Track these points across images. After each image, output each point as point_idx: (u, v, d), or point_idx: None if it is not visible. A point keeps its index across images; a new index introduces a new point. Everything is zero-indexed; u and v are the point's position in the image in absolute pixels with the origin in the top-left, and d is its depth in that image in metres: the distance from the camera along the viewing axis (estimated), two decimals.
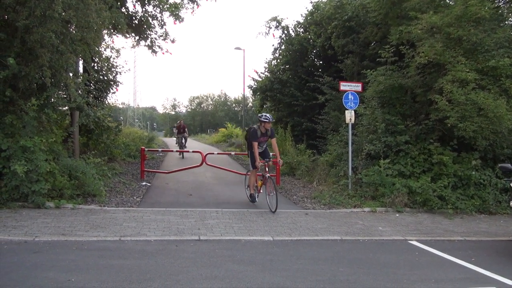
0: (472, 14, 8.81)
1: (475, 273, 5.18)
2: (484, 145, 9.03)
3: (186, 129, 19.65)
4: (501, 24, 10.60)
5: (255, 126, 8.49)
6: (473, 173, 9.24)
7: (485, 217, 8.85)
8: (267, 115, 8.36)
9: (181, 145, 19.16)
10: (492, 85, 8.90)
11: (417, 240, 6.66)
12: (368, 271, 4.99)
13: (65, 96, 9.31)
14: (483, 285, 4.75)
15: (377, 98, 10.68)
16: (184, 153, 17.83)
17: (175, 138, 19.92)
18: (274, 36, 19.90)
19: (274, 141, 8.61)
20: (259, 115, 8.63)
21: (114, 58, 14.15)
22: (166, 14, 13.06)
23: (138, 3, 12.64)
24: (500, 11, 10.73)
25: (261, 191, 8.74)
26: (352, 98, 10.39)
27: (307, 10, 18.97)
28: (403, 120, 10.17)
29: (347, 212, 8.68)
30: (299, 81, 18.07)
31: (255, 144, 8.23)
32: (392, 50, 10.48)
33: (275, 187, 7.96)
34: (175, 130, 19.79)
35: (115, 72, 14.49)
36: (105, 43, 12.19)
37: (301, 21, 19.20)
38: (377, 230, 7.19)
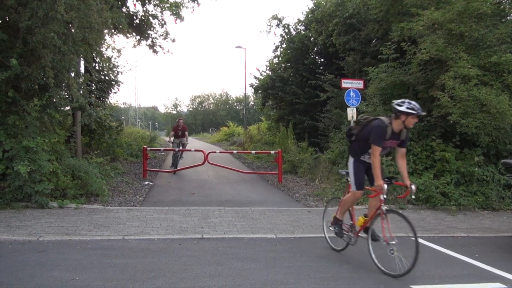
0: (474, 9, 8.77)
1: (478, 269, 5.17)
2: (487, 141, 9.01)
3: (186, 133, 14.07)
4: (503, 20, 10.56)
5: (383, 118, 4.90)
6: (476, 169, 9.21)
7: (488, 213, 8.84)
8: (413, 103, 4.68)
9: (176, 156, 13.56)
10: (494, 81, 8.87)
11: (420, 237, 6.64)
12: (372, 268, 4.98)
13: (67, 96, 9.34)
14: (487, 281, 4.74)
15: (379, 95, 10.65)
16: (182, 157, 14.09)
17: (170, 143, 13.87)
18: (275, 34, 19.99)
19: (404, 152, 5.02)
20: (396, 101, 4.77)
21: (115, 58, 14.31)
22: (167, 13, 13.10)
23: (139, 2, 12.66)
24: (502, 7, 10.68)
25: (361, 234, 5.28)
26: (354, 95, 10.40)
27: (308, 8, 18.99)
28: None
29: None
30: (301, 79, 18.06)
31: (379, 150, 4.74)
32: (394, 47, 10.46)
33: (412, 229, 4.63)
34: (172, 132, 14.15)
35: (116, 72, 14.57)
36: (106, 43, 12.24)
37: (302, 19, 19.18)
38: (380, 227, 7.17)
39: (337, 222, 5.49)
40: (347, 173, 5.38)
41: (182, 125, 14.02)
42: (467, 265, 5.35)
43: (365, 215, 5.27)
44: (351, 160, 5.23)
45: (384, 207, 4.86)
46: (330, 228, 5.64)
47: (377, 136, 4.76)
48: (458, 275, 4.88)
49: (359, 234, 5.27)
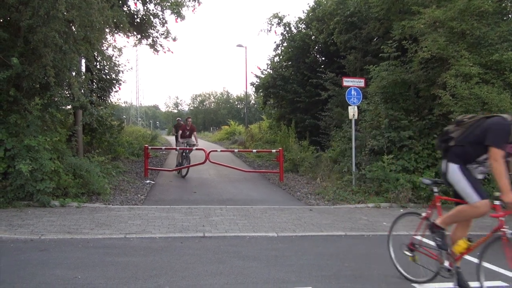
0: (476, 7, 8.76)
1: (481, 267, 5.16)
2: None
3: (195, 133, 12.97)
4: (505, 18, 10.55)
5: (503, 115, 3.84)
6: None
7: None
8: None
9: (183, 157, 12.40)
10: (496, 79, 8.86)
11: (421, 235, 6.63)
12: (373, 266, 4.99)
13: (68, 95, 9.35)
14: (489, 279, 4.73)
15: (380, 93, 10.65)
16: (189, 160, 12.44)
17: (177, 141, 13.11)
18: (276, 33, 19.87)
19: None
20: None
21: (116, 57, 14.21)
22: (168, 12, 13.09)
23: (139, 1, 12.66)
24: (503, 5, 10.66)
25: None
26: (355, 93, 10.38)
27: (309, 6, 18.96)
28: (407, 115, 10.14)
29: (351, 207, 8.68)
30: (302, 78, 18.05)
31: (501, 154, 3.62)
32: (395, 45, 10.44)
33: None
34: (175, 133, 13.21)
35: (117, 71, 14.54)
36: (107, 42, 12.24)
37: (303, 17, 19.17)
38: (382, 226, 7.18)
39: (437, 230, 4.21)
40: (434, 182, 4.43)
41: (191, 125, 13.09)
42: (469, 263, 5.34)
43: (469, 239, 4.01)
44: (454, 166, 3.93)
45: (509, 230, 3.65)
46: (406, 252, 4.46)
47: (498, 135, 3.65)
48: None
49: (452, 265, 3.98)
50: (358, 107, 10.48)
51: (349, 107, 10.27)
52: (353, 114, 10.19)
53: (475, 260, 5.21)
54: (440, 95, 8.94)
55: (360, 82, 10.63)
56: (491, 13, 9.27)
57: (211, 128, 59.52)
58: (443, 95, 8.82)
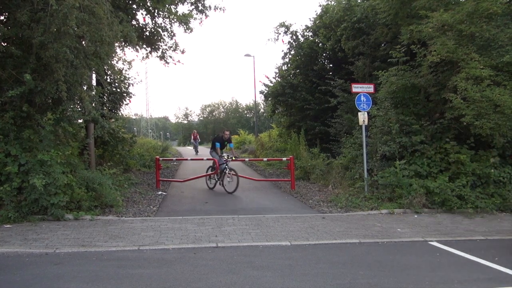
0: (484, 10, 8.70)
1: (499, 272, 5.07)
2: (502, 142, 8.87)
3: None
4: None
5: None
6: (492, 171, 9.07)
7: (506, 216, 8.67)
8: None
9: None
10: (507, 81, 8.76)
11: (437, 241, 6.56)
12: (389, 274, 4.92)
13: (80, 109, 9.46)
14: (508, 285, 4.64)
15: (390, 98, 10.58)
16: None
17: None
18: (283, 41, 19.88)
19: None
20: None
21: (126, 70, 14.35)
22: (176, 25, 13.24)
23: (148, 16, 12.83)
24: None
25: None
26: (365, 99, 10.34)
27: (316, 13, 18.98)
28: (418, 120, 10.05)
29: (364, 214, 8.59)
30: (310, 85, 18.04)
31: None
32: (403, 50, 10.39)
33: None
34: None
35: (127, 84, 14.67)
36: (117, 55, 12.38)
37: (310, 25, 19.20)
38: (396, 232, 7.10)
39: None
40: None
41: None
42: (487, 268, 5.24)
43: None
44: None
45: None
46: None
47: None
48: (478, 279, 4.79)
49: None
50: (368, 113, 10.42)
51: (359, 113, 10.23)
52: (363, 120, 10.14)
53: (492, 265, 5.12)
54: (451, 99, 8.86)
55: (369, 88, 10.59)
56: (500, 15, 9.20)
57: None
58: (454, 99, 8.74)
